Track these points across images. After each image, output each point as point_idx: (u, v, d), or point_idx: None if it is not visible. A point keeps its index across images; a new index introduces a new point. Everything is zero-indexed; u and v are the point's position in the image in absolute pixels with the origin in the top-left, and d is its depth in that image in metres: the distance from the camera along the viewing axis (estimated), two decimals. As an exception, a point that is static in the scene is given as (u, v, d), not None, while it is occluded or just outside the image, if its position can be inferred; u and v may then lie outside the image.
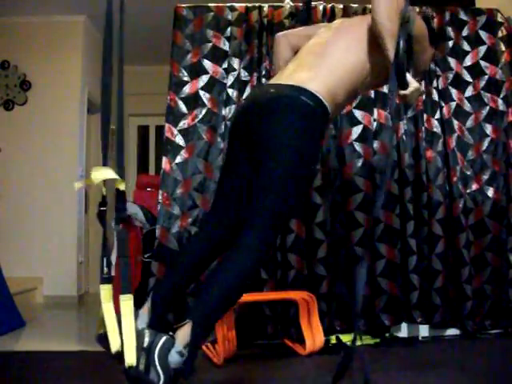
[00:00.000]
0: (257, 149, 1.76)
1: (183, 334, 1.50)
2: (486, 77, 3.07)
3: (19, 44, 4.96)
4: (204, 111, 2.90)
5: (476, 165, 3.00)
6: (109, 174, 1.60)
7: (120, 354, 1.43)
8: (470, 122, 3.03)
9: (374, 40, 1.83)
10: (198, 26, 2.98)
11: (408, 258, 2.84)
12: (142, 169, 6.60)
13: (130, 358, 1.41)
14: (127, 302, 1.45)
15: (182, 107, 2.90)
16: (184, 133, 2.88)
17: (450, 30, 3.09)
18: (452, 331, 2.90)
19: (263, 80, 2.93)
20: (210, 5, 3.02)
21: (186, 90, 2.92)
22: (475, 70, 3.07)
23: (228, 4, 3.03)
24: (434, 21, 3.09)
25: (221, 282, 1.61)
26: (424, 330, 2.88)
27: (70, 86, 4.97)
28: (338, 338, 2.73)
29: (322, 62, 1.85)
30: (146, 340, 1.46)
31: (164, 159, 2.86)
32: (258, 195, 1.70)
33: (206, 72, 2.94)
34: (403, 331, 2.89)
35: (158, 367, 1.43)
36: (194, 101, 2.91)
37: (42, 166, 4.86)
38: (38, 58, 4.92)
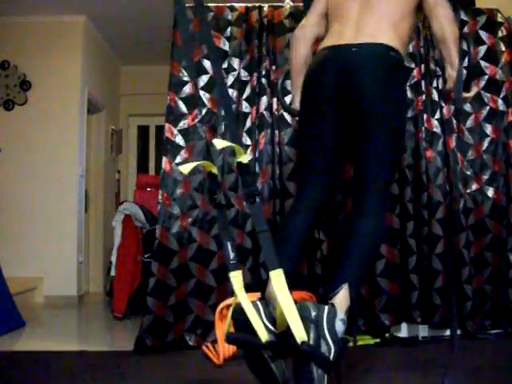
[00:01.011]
0: (358, 110, 1.82)
1: (342, 300, 1.49)
2: (486, 77, 3.07)
3: (19, 44, 4.96)
4: (204, 111, 2.91)
5: (476, 165, 3.00)
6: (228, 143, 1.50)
7: (273, 342, 1.35)
8: (469, 122, 3.03)
9: None
10: (198, 26, 2.98)
11: (408, 258, 2.84)
12: (142, 169, 6.60)
13: (301, 333, 1.32)
14: (279, 277, 1.33)
15: (182, 107, 2.90)
16: (184, 133, 2.88)
17: (449, 30, 3.08)
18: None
19: (263, 80, 2.93)
20: (210, 5, 3.02)
21: (186, 89, 2.92)
22: (475, 70, 3.07)
23: (228, 4, 3.03)
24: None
25: (361, 245, 1.69)
26: (424, 330, 2.88)
27: (70, 86, 4.97)
28: (337, 338, 2.72)
29: (377, 13, 1.91)
30: (313, 313, 1.38)
31: (164, 159, 2.86)
32: (374, 161, 1.82)
33: (206, 72, 2.94)
34: (403, 331, 2.89)
35: (329, 339, 1.36)
36: (193, 101, 2.91)
37: (42, 165, 4.86)
38: (38, 58, 4.92)
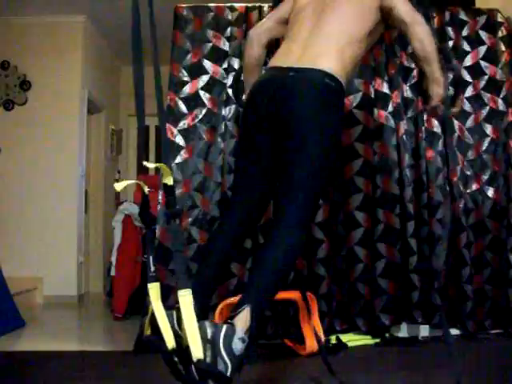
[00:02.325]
0: (287, 132, 1.82)
1: (242, 319, 1.51)
2: (486, 77, 3.07)
3: (19, 44, 4.96)
4: (204, 111, 2.91)
5: (476, 165, 3.00)
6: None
7: (177, 351, 1.41)
8: (469, 122, 3.03)
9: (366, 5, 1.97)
10: (198, 26, 2.98)
11: (408, 258, 2.84)
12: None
13: (198, 352, 1.38)
14: (186, 297, 1.41)
15: (182, 107, 2.90)
16: (184, 133, 2.88)
17: (449, 30, 3.08)
18: (452, 331, 2.89)
19: (263, 80, 2.92)
20: (210, 5, 3.02)
21: (186, 90, 2.92)
22: (475, 70, 3.07)
23: (228, 4, 3.03)
24: (434, 21, 3.10)
25: (270, 263, 1.67)
26: (424, 330, 2.88)
27: (70, 86, 4.97)
28: (337, 338, 2.73)
29: (325, 36, 1.92)
30: (209, 331, 1.43)
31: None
32: (295, 176, 1.78)
33: (206, 72, 2.94)
34: (403, 331, 2.89)
35: (225, 357, 1.41)
36: (193, 101, 2.91)
37: (42, 166, 4.86)
38: (38, 58, 4.92)
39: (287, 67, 1.89)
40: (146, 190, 1.57)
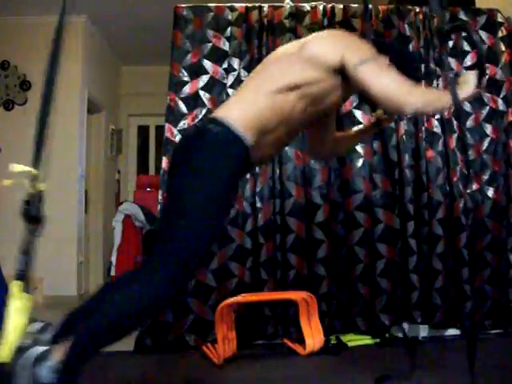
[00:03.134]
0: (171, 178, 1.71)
1: (61, 350, 1.41)
2: (486, 77, 3.06)
3: (19, 44, 4.95)
4: (204, 111, 2.90)
5: (476, 165, 3.00)
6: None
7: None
8: (470, 122, 3.03)
9: (311, 66, 1.67)
10: (198, 26, 2.98)
11: (408, 258, 2.84)
12: (142, 169, 6.60)
13: (4, 354, 1.37)
14: (24, 300, 1.43)
15: (182, 107, 2.90)
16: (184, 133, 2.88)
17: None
18: (452, 331, 2.90)
19: (263, 80, 2.93)
20: (209, 5, 3.02)
21: (186, 90, 2.92)
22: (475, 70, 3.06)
23: (228, 4, 3.03)
24: (434, 21, 3.10)
25: (118, 304, 1.48)
26: (424, 330, 2.88)
27: (70, 86, 4.96)
28: (337, 338, 2.73)
29: (240, 94, 1.75)
30: (26, 342, 1.41)
31: (164, 159, 2.86)
32: (165, 227, 1.60)
33: (206, 72, 2.94)
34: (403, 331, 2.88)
35: (26, 374, 1.38)
36: (194, 101, 2.91)
37: (42, 165, 4.86)
38: (38, 58, 4.88)
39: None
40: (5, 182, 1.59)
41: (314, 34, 1.82)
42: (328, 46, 1.70)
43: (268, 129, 1.63)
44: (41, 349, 1.41)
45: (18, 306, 1.43)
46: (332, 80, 1.68)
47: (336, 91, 1.72)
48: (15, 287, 1.49)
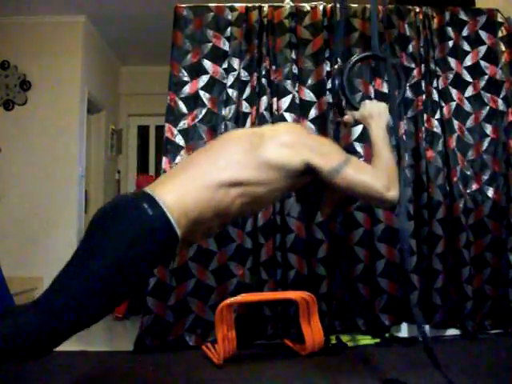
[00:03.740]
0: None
1: None
2: (486, 77, 3.07)
3: (19, 44, 4.95)
4: (204, 111, 2.91)
5: (476, 165, 3.00)
6: None
7: None
8: (469, 122, 3.04)
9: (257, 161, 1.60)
10: (198, 26, 2.98)
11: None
12: (142, 169, 6.59)
13: None
14: None
15: (182, 107, 2.90)
16: (184, 133, 2.88)
17: (450, 30, 3.09)
18: (452, 331, 2.90)
19: (263, 80, 2.93)
20: (209, 5, 3.02)
21: (186, 89, 2.92)
22: (475, 70, 3.07)
23: (228, 4, 3.03)
24: (434, 21, 3.10)
25: None
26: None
27: (70, 86, 4.96)
28: (337, 338, 2.73)
29: (183, 172, 1.62)
30: None
31: (164, 159, 2.86)
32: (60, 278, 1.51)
33: (206, 72, 2.94)
34: (403, 331, 2.89)
35: None
36: (193, 101, 2.91)
37: (42, 166, 4.86)
38: (38, 58, 4.92)
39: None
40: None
41: (271, 130, 1.73)
42: (288, 151, 1.61)
43: (202, 220, 1.56)
44: None
45: None
46: (284, 181, 1.63)
47: (283, 188, 1.68)
48: None
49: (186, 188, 1.55)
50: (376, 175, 1.65)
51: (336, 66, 2.41)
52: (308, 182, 1.72)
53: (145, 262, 1.50)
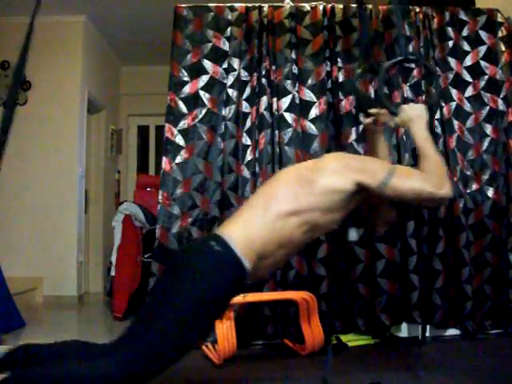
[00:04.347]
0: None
1: None
2: (486, 77, 3.07)
3: (19, 44, 4.96)
4: (204, 111, 2.90)
5: (476, 165, 3.00)
6: None
7: None
8: (470, 122, 3.04)
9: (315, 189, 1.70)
10: (198, 26, 2.98)
11: (408, 258, 2.84)
12: (142, 169, 6.60)
13: None
14: None
15: (182, 107, 2.90)
16: (184, 133, 2.88)
17: (450, 30, 3.09)
18: (452, 331, 2.90)
19: (263, 80, 2.93)
20: (210, 5, 3.02)
21: (186, 90, 2.92)
22: (475, 70, 3.07)
23: (228, 4, 3.03)
24: (434, 21, 3.10)
25: (53, 378, 1.47)
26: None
27: (70, 86, 4.96)
28: (337, 338, 2.73)
29: (244, 212, 1.72)
30: None
31: (164, 159, 2.86)
32: (138, 325, 1.58)
33: (206, 72, 2.94)
34: (403, 331, 2.89)
35: None
36: (194, 101, 2.91)
37: (42, 166, 4.86)
38: (38, 58, 4.91)
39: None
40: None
41: (318, 162, 1.80)
42: (339, 177, 1.72)
43: (267, 253, 1.65)
44: None
45: None
46: (339, 204, 1.72)
47: (340, 211, 1.75)
48: None
49: (249, 224, 1.65)
50: (424, 177, 1.72)
51: (360, 69, 2.37)
52: (360, 202, 1.80)
53: (220, 297, 1.58)
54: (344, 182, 1.70)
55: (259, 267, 1.65)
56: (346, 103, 2.94)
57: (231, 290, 1.64)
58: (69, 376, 1.46)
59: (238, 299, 2.49)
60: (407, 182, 1.71)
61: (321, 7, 3.05)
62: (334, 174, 1.72)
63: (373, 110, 2.06)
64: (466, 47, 3.09)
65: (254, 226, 1.64)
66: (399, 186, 1.70)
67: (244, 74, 2.94)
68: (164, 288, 1.57)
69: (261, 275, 1.75)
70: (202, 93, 2.92)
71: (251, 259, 1.60)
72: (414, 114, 1.89)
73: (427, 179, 1.71)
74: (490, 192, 2.97)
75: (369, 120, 2.07)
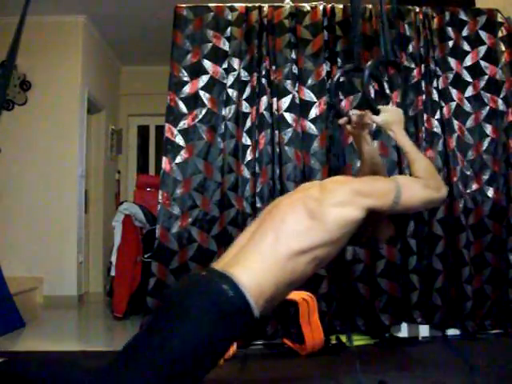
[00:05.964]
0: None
1: None
2: (486, 77, 3.07)
3: (19, 44, 4.96)
4: (204, 111, 2.90)
5: (476, 165, 3.00)
6: None
7: None
8: (469, 122, 3.03)
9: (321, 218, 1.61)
10: (198, 26, 2.98)
11: (408, 258, 2.84)
12: (142, 169, 6.59)
13: None
14: None
15: (182, 107, 2.90)
16: (184, 133, 2.88)
17: (449, 30, 3.09)
18: (452, 331, 2.90)
19: (263, 80, 2.93)
20: (209, 5, 3.02)
21: (186, 89, 2.92)
22: (475, 70, 3.07)
23: (228, 4, 3.03)
24: (434, 21, 3.10)
25: None
26: (424, 330, 2.88)
27: (70, 86, 4.96)
28: (337, 338, 2.73)
29: (252, 248, 1.61)
30: None
31: (164, 159, 2.86)
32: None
33: (206, 72, 2.94)
34: (403, 331, 2.89)
35: None
36: (193, 101, 2.91)
37: (42, 165, 4.86)
38: (38, 58, 4.92)
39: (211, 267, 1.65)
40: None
41: (322, 190, 1.70)
42: (349, 207, 1.64)
43: (276, 295, 1.59)
44: None
45: None
46: (352, 231, 1.67)
47: (349, 236, 1.69)
48: None
49: (259, 267, 1.55)
50: (425, 184, 1.72)
51: (341, 69, 2.37)
52: (363, 222, 1.72)
53: (221, 344, 1.53)
54: (356, 211, 1.63)
55: (264, 310, 1.59)
56: (346, 103, 2.94)
57: (237, 336, 1.61)
58: None
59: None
60: (415, 194, 1.71)
61: (321, 7, 3.05)
62: (345, 206, 1.63)
63: (354, 111, 2.01)
64: (466, 47, 3.09)
65: (263, 270, 1.54)
66: (409, 201, 1.70)
67: (244, 74, 2.94)
68: (162, 329, 1.48)
69: (265, 314, 1.67)
70: (201, 93, 2.92)
71: (261, 307, 1.53)
72: (397, 118, 1.89)
73: (428, 185, 1.72)
74: (490, 192, 2.97)
75: (342, 120, 1.99)
